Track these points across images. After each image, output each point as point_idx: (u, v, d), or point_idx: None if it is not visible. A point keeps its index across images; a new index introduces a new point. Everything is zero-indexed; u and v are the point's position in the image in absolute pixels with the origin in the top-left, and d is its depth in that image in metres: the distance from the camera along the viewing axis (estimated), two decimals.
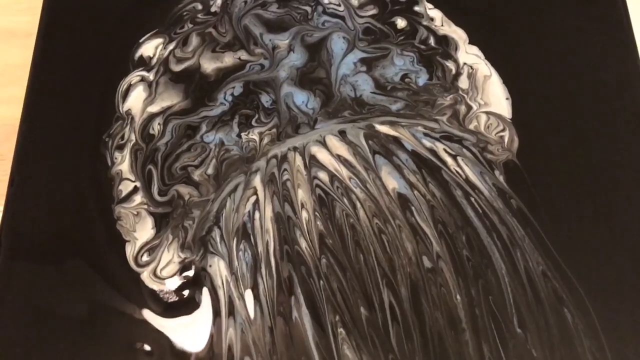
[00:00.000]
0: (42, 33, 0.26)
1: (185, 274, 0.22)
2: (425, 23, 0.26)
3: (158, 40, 0.25)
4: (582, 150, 0.23)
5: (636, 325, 0.21)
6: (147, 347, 0.21)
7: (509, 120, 0.24)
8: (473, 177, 0.23)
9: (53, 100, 0.25)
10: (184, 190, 0.23)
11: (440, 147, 0.24)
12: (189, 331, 0.21)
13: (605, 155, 0.23)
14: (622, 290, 0.21)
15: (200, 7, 0.26)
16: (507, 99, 0.24)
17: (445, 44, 0.25)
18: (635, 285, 0.21)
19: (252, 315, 0.21)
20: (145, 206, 0.23)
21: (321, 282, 0.21)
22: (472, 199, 0.23)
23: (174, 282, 0.21)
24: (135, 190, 0.23)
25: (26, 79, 0.29)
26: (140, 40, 0.25)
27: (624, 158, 0.23)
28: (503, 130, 0.24)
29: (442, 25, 0.26)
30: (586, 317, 0.21)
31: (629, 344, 0.20)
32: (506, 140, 0.24)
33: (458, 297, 0.21)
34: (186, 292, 0.21)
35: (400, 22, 0.26)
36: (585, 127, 0.24)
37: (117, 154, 0.23)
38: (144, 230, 0.22)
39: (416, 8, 0.26)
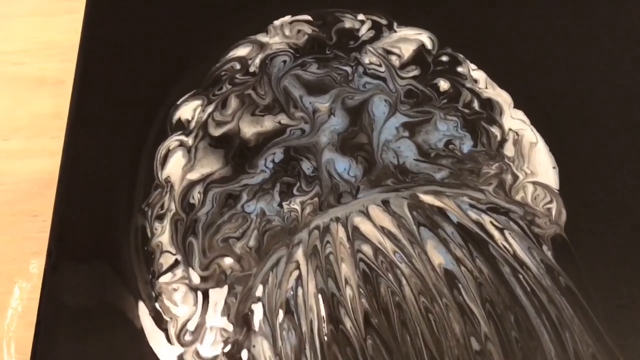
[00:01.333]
0: (77, 91, 0.26)
1: (229, 354, 0.21)
2: (468, 85, 0.25)
3: (196, 102, 0.25)
4: (633, 225, 0.23)
5: None
6: None
7: (557, 191, 0.23)
8: (521, 253, 0.23)
9: (89, 165, 0.25)
10: (227, 263, 0.22)
11: (487, 220, 0.23)
12: None
13: None
14: None
15: (238, 66, 0.26)
16: (554, 167, 0.24)
17: (490, 108, 0.25)
18: None
19: None
20: (187, 281, 0.22)
21: None
22: (521, 276, 0.22)
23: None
24: (176, 263, 0.22)
25: (56, 129, 0.29)
26: (178, 102, 0.25)
27: None
28: (550, 202, 0.23)
29: (486, 88, 0.25)
30: None
31: None
32: (554, 213, 0.23)
33: None
34: None
35: (443, 84, 0.25)
36: (637, 199, 0.23)
37: (157, 225, 0.23)
38: (185, 307, 0.22)
39: (459, 69, 0.25)
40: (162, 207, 0.23)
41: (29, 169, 0.29)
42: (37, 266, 0.27)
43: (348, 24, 0.26)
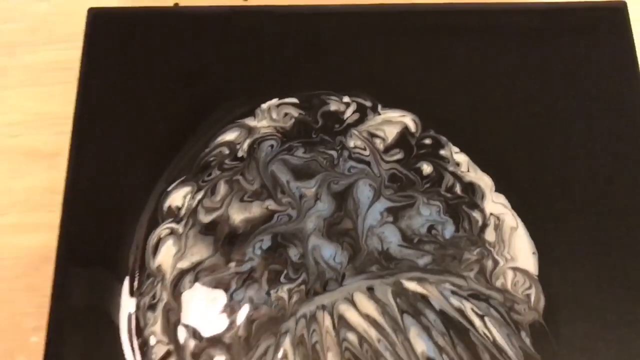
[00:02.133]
0: (72, 168, 0.27)
1: None
2: (451, 169, 0.26)
3: (186, 189, 0.26)
4: (612, 317, 0.23)
5: None
6: None
7: (536, 277, 0.24)
8: (500, 340, 0.23)
9: (85, 242, 0.26)
10: (217, 355, 0.23)
11: (468, 307, 0.24)
12: None
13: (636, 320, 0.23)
14: None
15: (227, 151, 0.26)
16: (533, 253, 0.24)
17: (472, 192, 0.25)
18: None
19: None
20: None
21: None
22: None
23: None
24: (168, 354, 0.23)
25: (52, 203, 0.30)
26: (169, 189, 0.26)
27: None
28: (529, 287, 0.24)
29: (468, 171, 0.26)
30: None
31: None
32: (532, 299, 0.24)
33: None
34: None
35: (426, 168, 0.26)
36: (616, 287, 0.24)
37: (147, 315, 0.24)
38: None
39: (442, 152, 0.26)
40: (154, 296, 0.24)
41: (26, 244, 0.30)
42: (37, 341, 0.28)
43: (334, 106, 0.27)
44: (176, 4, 0.32)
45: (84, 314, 0.24)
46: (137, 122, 0.27)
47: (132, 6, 0.32)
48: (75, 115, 0.27)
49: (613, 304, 0.24)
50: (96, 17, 0.28)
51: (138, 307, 0.24)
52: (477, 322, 0.24)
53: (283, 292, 0.24)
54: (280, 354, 0.23)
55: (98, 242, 0.25)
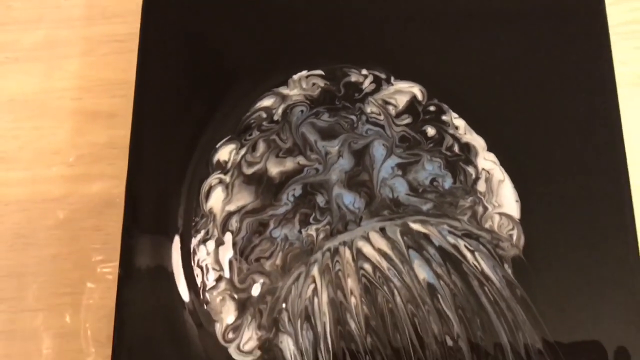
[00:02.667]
0: (136, 128, 0.32)
1: (262, 348, 0.28)
2: (451, 131, 0.31)
3: (231, 146, 0.31)
4: (579, 254, 0.29)
5: None
6: None
7: (518, 221, 0.30)
8: (487, 270, 0.29)
9: (146, 187, 0.31)
10: (259, 278, 0.29)
11: (461, 243, 0.29)
12: None
13: (605, 264, 0.29)
14: None
15: (264, 115, 0.31)
16: (516, 201, 0.30)
17: (467, 151, 0.31)
18: None
19: None
20: (229, 292, 0.29)
21: (367, 357, 0.28)
22: (486, 289, 0.29)
23: (255, 355, 0.28)
24: (219, 278, 0.29)
25: (112, 157, 0.35)
26: (217, 146, 0.31)
27: (609, 264, 0.29)
28: (512, 229, 0.30)
29: (465, 134, 0.31)
30: None
31: None
32: (514, 238, 0.29)
33: None
34: None
35: (430, 131, 0.31)
36: (587, 229, 0.29)
37: (201, 247, 0.29)
38: (228, 312, 0.28)
39: (444, 117, 0.31)
40: (207, 232, 0.30)
41: (92, 191, 0.35)
42: (103, 271, 0.34)
43: (354, 78, 0.32)
44: None
45: (149, 248, 0.30)
46: (187, 90, 0.32)
47: None
48: (137, 81, 0.32)
49: (583, 243, 0.29)
50: None
51: (194, 241, 0.30)
52: (468, 255, 0.29)
53: (312, 230, 0.30)
54: (310, 280, 0.29)
55: (155, 185, 0.31)
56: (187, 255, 0.29)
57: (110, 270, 0.33)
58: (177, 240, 0.29)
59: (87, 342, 0.32)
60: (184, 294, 0.29)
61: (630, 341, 0.28)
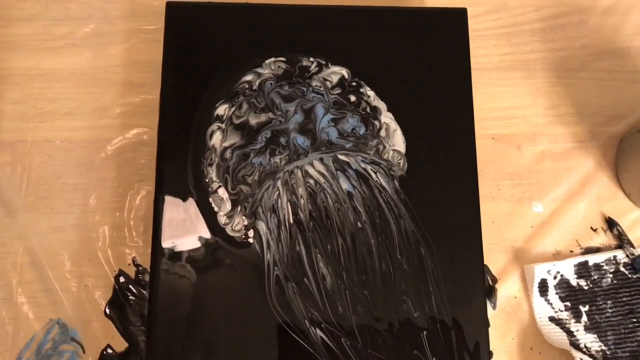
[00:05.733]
0: (163, 93, 0.49)
1: (247, 227, 0.46)
2: (365, 99, 0.49)
3: (226, 105, 0.48)
4: (442, 175, 0.48)
5: (460, 262, 0.46)
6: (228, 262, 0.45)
7: (404, 154, 0.48)
8: (384, 183, 0.47)
9: (171, 134, 0.48)
10: (244, 187, 0.47)
11: (369, 168, 0.48)
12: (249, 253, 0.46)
13: (454, 180, 0.48)
14: (450, 249, 0.46)
15: (247, 86, 0.49)
16: (404, 142, 0.48)
17: (375, 111, 0.49)
18: (463, 238, 0.46)
19: (275, 246, 0.46)
20: (226, 195, 0.47)
21: (309, 233, 0.46)
22: (383, 194, 0.47)
23: (241, 232, 0.46)
24: (219, 187, 0.47)
25: (144, 113, 0.52)
26: (216, 104, 0.48)
27: (456, 175, 0.48)
28: (400, 159, 0.48)
29: (373, 100, 0.49)
30: (431, 252, 0.46)
31: (457, 272, 0.46)
32: (401, 164, 0.48)
33: (372, 240, 0.46)
34: (247, 238, 0.46)
35: (352, 98, 0.49)
36: (446, 161, 0.48)
37: (208, 168, 0.47)
38: (225, 207, 0.46)
39: (361, 90, 0.49)
40: (211, 159, 0.47)
41: (129, 135, 0.52)
42: (140, 188, 0.51)
43: (305, 63, 0.50)
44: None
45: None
46: (197, 69, 0.49)
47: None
48: (164, 57, 0.49)
49: (442, 168, 0.48)
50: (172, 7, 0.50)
51: (204, 165, 0.47)
52: (372, 175, 0.48)
53: (277, 159, 0.48)
54: (275, 189, 0.47)
55: (178, 137, 0.48)
56: (199, 174, 0.47)
57: (145, 186, 0.50)
58: (190, 165, 0.47)
59: (130, 232, 0.50)
60: (194, 194, 0.46)
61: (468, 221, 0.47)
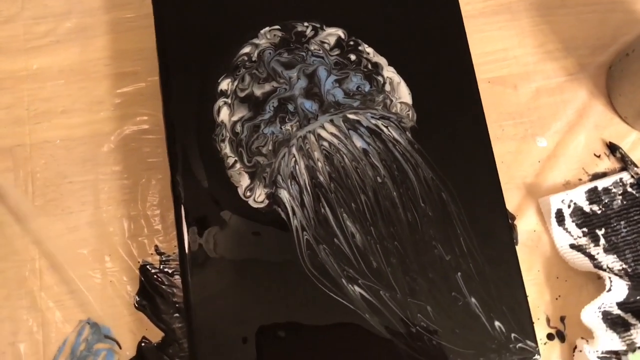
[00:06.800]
0: (163, 77, 0.48)
1: (269, 198, 0.46)
2: (365, 56, 0.49)
3: (228, 80, 0.48)
4: (451, 120, 0.48)
5: (482, 202, 0.47)
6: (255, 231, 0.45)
7: (411, 105, 0.49)
8: (397, 136, 0.48)
9: (178, 111, 0.47)
10: (260, 159, 0.47)
11: (380, 123, 0.48)
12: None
13: (463, 123, 0.48)
14: (470, 190, 0.47)
15: (246, 58, 0.49)
16: (409, 93, 0.49)
17: (376, 67, 0.49)
18: (478, 183, 0.47)
19: (301, 211, 0.46)
20: (243, 169, 0.46)
21: (332, 194, 0.46)
22: (397, 147, 0.48)
23: (264, 203, 0.46)
24: (235, 162, 0.46)
25: (140, 102, 0.51)
26: (219, 80, 0.48)
27: (467, 113, 0.48)
28: (409, 110, 0.48)
29: (373, 57, 0.49)
30: (452, 196, 0.47)
31: (480, 211, 0.47)
32: (411, 115, 0.48)
33: (394, 193, 0.47)
34: (271, 207, 0.46)
35: (352, 57, 0.49)
36: (452, 106, 0.49)
37: (221, 144, 0.47)
38: (244, 181, 0.46)
39: (360, 48, 0.49)
40: (222, 135, 0.47)
41: (130, 125, 0.51)
42: (149, 176, 0.50)
43: (300, 28, 0.49)
44: None
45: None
46: (193, 46, 0.48)
47: None
48: (157, 47, 0.48)
49: (450, 113, 0.49)
50: None
51: (216, 142, 0.47)
52: (384, 129, 0.48)
53: (288, 126, 0.47)
54: (291, 156, 0.47)
55: (184, 114, 0.47)
56: (213, 152, 0.46)
57: (155, 174, 0.49)
58: (201, 143, 0.46)
59: (147, 221, 0.49)
60: (213, 176, 0.46)
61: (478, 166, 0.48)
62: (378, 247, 0.46)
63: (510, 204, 0.52)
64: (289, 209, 0.46)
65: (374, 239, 0.46)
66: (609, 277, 0.48)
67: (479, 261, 0.46)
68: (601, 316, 0.49)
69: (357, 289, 0.45)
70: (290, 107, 0.48)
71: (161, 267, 0.48)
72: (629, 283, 0.49)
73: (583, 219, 0.52)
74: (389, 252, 0.46)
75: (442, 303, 0.45)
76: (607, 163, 0.53)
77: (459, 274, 0.46)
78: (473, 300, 0.45)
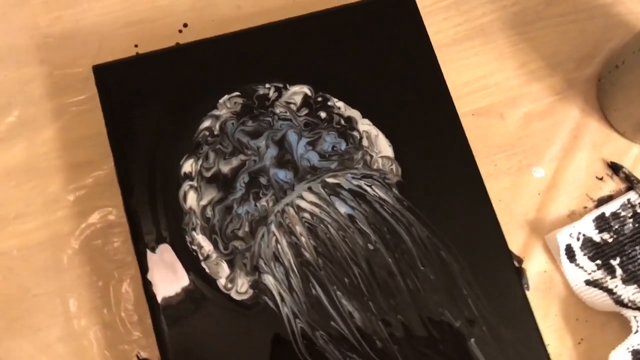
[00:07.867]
0: (118, 166, 0.44)
1: (253, 287, 0.41)
2: (336, 111, 0.45)
3: (191, 160, 0.44)
4: (439, 169, 0.44)
5: (484, 254, 0.43)
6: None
7: (393, 158, 0.44)
8: (383, 194, 0.44)
9: (141, 204, 0.43)
10: (237, 243, 0.42)
11: (362, 183, 0.44)
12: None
13: (451, 167, 0.44)
14: (470, 243, 0.43)
15: (207, 132, 0.44)
16: (390, 146, 0.45)
17: (350, 122, 0.45)
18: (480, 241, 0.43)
19: (290, 296, 0.41)
20: (220, 257, 0.42)
21: (322, 271, 0.42)
22: (385, 207, 0.43)
23: (249, 293, 0.41)
24: (210, 252, 0.42)
25: (99, 193, 0.47)
26: (181, 162, 0.43)
27: (452, 173, 0.44)
28: (392, 164, 0.44)
29: (345, 110, 0.45)
30: (453, 254, 0.43)
31: (484, 266, 0.43)
32: (394, 169, 0.44)
33: (390, 259, 0.42)
34: (257, 297, 0.41)
35: (323, 114, 0.45)
36: (437, 150, 0.45)
37: (193, 234, 0.42)
38: (223, 271, 0.42)
39: (329, 103, 0.45)
40: (193, 223, 0.42)
41: (93, 220, 0.47)
42: (119, 273, 0.46)
43: (261, 91, 0.45)
44: (177, 43, 0.48)
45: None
46: (146, 128, 0.44)
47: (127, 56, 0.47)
48: (108, 134, 0.44)
49: (438, 162, 0.44)
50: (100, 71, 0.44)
51: (188, 232, 0.42)
52: (368, 189, 0.44)
53: (263, 202, 0.43)
54: (271, 234, 0.42)
55: (147, 201, 0.43)
56: (183, 243, 0.42)
57: (127, 271, 0.45)
58: (170, 234, 0.42)
59: (124, 326, 0.45)
60: (188, 270, 0.42)
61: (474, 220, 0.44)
62: (380, 323, 0.41)
63: (515, 246, 0.48)
64: (277, 295, 0.41)
65: (374, 315, 0.42)
66: (634, 317, 0.44)
67: (491, 322, 0.42)
68: (631, 357, 0.44)
69: None
70: (263, 180, 0.43)
71: None
72: None
73: (595, 250, 0.48)
74: (392, 327, 0.41)
75: None
76: (612, 184, 0.49)
77: (473, 339, 0.41)
78: None
